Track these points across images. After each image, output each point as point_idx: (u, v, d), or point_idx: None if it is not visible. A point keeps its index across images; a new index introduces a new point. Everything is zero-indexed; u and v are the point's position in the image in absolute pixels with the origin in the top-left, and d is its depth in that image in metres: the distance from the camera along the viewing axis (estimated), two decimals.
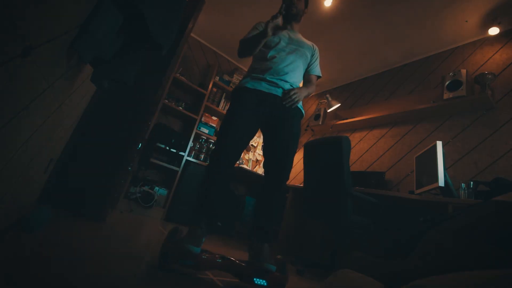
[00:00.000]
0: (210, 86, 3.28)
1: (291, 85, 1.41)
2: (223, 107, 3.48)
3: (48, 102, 0.71)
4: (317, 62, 1.59)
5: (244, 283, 1.09)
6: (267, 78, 1.36)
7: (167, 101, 2.99)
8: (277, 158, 1.32)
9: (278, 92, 1.35)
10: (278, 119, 1.34)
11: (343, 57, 3.11)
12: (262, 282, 1.06)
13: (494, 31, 2.16)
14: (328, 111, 3.26)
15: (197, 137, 3.22)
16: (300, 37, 1.56)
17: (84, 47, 0.68)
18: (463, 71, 2.09)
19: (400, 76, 2.89)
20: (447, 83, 2.14)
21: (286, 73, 1.39)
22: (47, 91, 0.65)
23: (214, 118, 3.41)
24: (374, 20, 2.49)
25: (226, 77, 3.54)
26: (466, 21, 2.24)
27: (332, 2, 2.41)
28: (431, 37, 2.50)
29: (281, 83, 1.37)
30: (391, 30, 2.55)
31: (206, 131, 3.25)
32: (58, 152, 1.31)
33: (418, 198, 1.68)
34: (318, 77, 1.59)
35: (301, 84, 1.54)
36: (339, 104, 3.21)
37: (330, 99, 3.24)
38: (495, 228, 0.44)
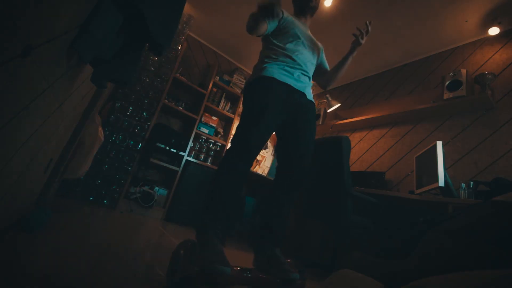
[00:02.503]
0: (210, 86, 3.28)
1: (309, 79, 1.40)
2: (223, 107, 3.48)
3: (48, 102, 0.71)
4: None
5: None
6: (297, 67, 1.30)
7: (167, 101, 2.99)
8: (300, 156, 1.23)
9: (302, 88, 1.30)
10: (301, 120, 1.28)
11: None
12: None
13: (494, 31, 2.16)
14: (328, 111, 3.26)
15: (197, 137, 3.22)
16: (311, 34, 1.54)
17: (84, 47, 0.68)
18: (463, 71, 2.09)
19: (400, 76, 2.89)
20: (447, 83, 2.14)
21: (309, 69, 1.39)
22: (47, 91, 0.65)
23: (214, 118, 3.40)
24: (374, 20, 2.47)
25: (226, 77, 3.54)
26: (466, 21, 2.24)
27: (332, 2, 2.41)
28: (431, 37, 2.50)
29: (303, 77, 1.33)
30: (391, 30, 2.54)
31: (206, 131, 3.25)
32: (58, 152, 1.31)
33: (418, 198, 1.68)
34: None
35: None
36: (339, 104, 3.20)
37: (330, 99, 3.24)
38: (495, 228, 0.44)
